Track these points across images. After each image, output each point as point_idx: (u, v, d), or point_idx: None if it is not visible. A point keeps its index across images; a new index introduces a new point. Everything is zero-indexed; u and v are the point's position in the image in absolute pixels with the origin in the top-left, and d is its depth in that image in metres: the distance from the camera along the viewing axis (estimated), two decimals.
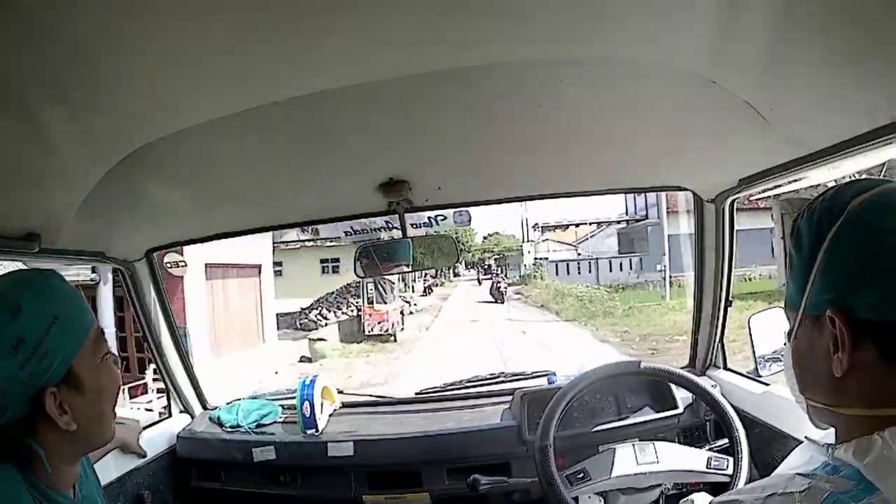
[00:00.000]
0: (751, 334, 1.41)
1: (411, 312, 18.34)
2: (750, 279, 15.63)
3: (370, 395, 2.06)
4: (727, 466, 1.22)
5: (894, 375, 0.45)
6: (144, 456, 1.48)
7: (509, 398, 1.65)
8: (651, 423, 1.48)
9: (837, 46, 0.66)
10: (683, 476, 1.23)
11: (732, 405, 1.30)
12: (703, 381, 1.37)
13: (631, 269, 23.80)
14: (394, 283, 14.33)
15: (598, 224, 29.56)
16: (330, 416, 1.70)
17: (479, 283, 31.38)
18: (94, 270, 7.61)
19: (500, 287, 21.02)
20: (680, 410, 1.49)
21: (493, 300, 20.73)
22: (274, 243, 18.79)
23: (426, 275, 26.91)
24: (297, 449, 1.58)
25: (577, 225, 31.45)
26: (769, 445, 1.30)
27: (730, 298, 1.56)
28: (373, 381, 8.59)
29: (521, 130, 1.09)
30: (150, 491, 1.47)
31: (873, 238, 0.47)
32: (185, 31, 0.66)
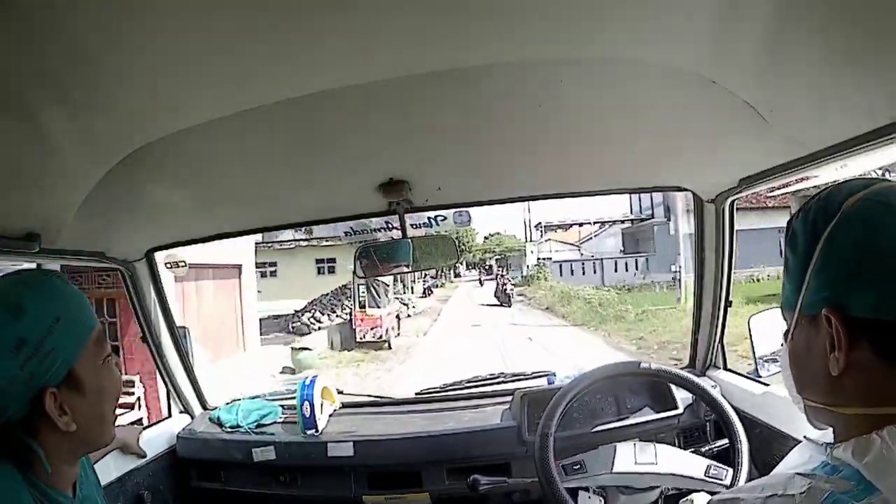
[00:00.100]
0: (751, 334, 1.41)
1: (409, 315, 17.41)
2: (758, 280, 15.20)
3: (370, 396, 2.06)
4: (725, 477, 1.22)
5: (891, 374, 0.46)
6: (144, 456, 1.48)
7: (509, 398, 1.65)
8: (651, 424, 1.48)
9: (837, 46, 0.66)
10: (680, 481, 1.22)
11: (732, 405, 1.30)
12: (703, 382, 1.37)
13: (637, 269, 22.99)
14: (388, 286, 13.20)
15: (602, 223, 28.92)
16: (330, 416, 1.70)
17: (481, 284, 30.64)
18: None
19: (506, 289, 19.56)
20: (680, 411, 1.49)
21: (498, 303, 19.47)
22: (268, 243, 18.43)
23: (426, 275, 26.22)
24: (297, 449, 1.58)
25: (580, 224, 30.64)
26: (769, 445, 1.30)
27: (730, 298, 1.56)
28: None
29: (521, 130, 1.09)
30: (150, 491, 1.47)
31: (868, 236, 0.47)
32: (185, 31, 0.66)
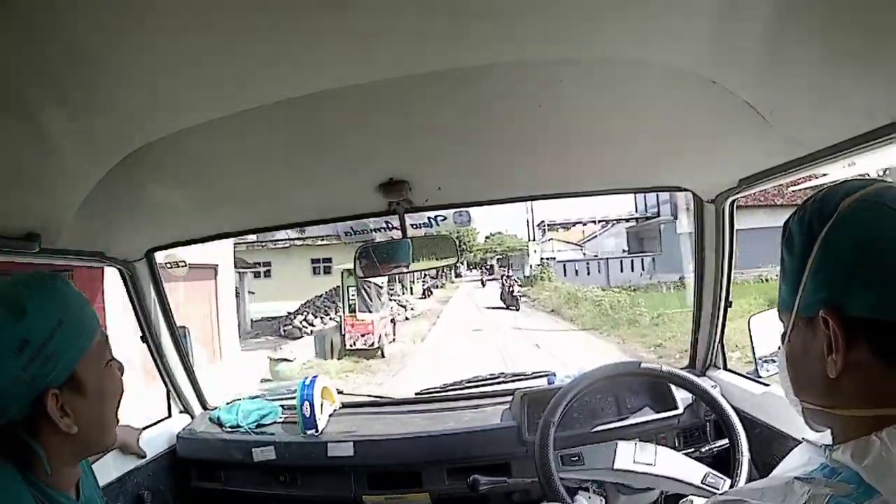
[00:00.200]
0: (750, 335, 1.41)
1: (406, 318, 16.36)
2: (767, 280, 14.50)
3: (370, 396, 2.06)
4: (721, 486, 1.21)
5: (889, 374, 0.45)
6: (144, 456, 1.48)
7: (509, 398, 1.65)
8: (651, 424, 1.48)
9: (837, 46, 0.66)
10: (675, 485, 1.22)
11: (732, 406, 1.30)
12: (702, 382, 1.37)
13: (643, 269, 22.39)
14: (381, 287, 11.92)
15: (606, 222, 28.08)
16: (330, 416, 1.70)
17: (483, 285, 29.88)
18: None
19: (513, 291, 17.92)
20: (680, 411, 1.49)
21: (504, 306, 17.83)
22: (262, 242, 17.84)
23: (425, 275, 25.50)
24: (297, 449, 1.58)
25: (584, 223, 29.68)
26: (769, 445, 1.30)
27: (730, 299, 1.56)
28: None
29: (521, 130, 1.09)
30: (150, 491, 1.47)
31: (864, 237, 0.47)
32: (185, 31, 0.66)
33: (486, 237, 41.32)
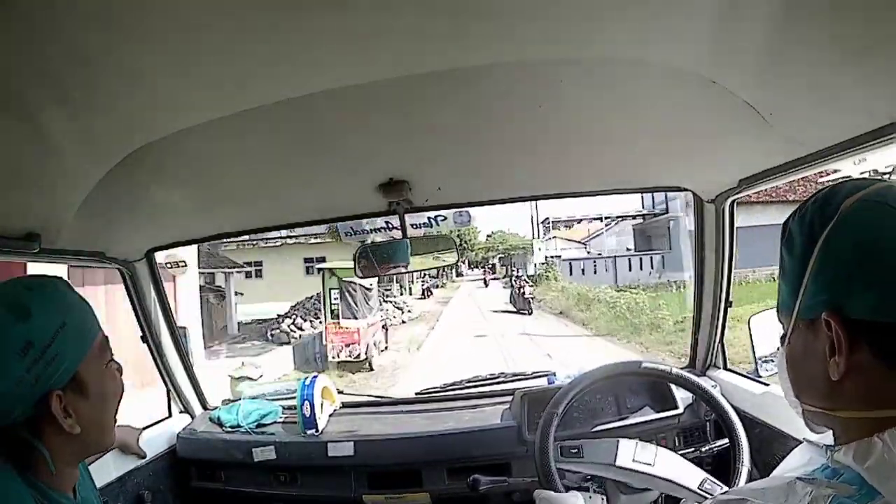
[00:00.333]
0: (751, 335, 1.41)
1: (403, 322, 15.23)
2: (776, 279, 14.12)
3: (370, 396, 2.06)
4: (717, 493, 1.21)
5: (891, 377, 0.45)
6: (144, 456, 1.48)
7: (509, 398, 1.65)
8: (651, 424, 1.48)
9: (837, 46, 0.66)
10: (672, 488, 1.21)
11: (732, 405, 1.30)
12: (703, 382, 1.37)
13: (652, 268, 21.23)
14: (369, 290, 10.35)
15: (612, 219, 27.19)
16: (330, 416, 1.70)
17: (486, 285, 28.55)
18: None
19: (523, 292, 15.83)
20: (680, 411, 1.49)
21: (514, 310, 15.95)
22: (253, 240, 16.93)
23: (425, 275, 24.36)
24: (297, 449, 1.58)
25: (590, 220, 28.91)
26: (769, 445, 1.30)
27: (730, 299, 1.56)
28: None
29: (521, 130, 1.09)
30: (150, 491, 1.47)
31: (866, 238, 0.46)
32: (186, 31, 0.66)
33: (488, 236, 41.02)
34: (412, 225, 1.49)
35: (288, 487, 1.59)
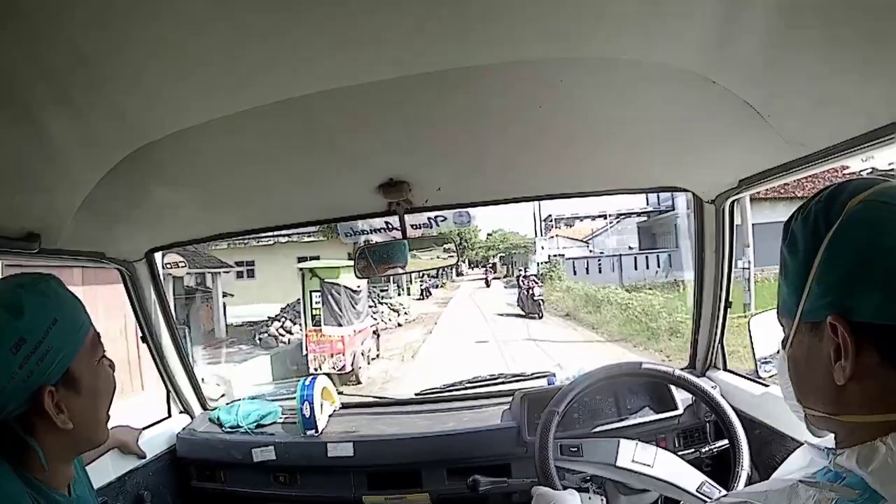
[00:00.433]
0: (750, 335, 1.41)
1: (399, 325, 14.37)
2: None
3: (370, 396, 2.06)
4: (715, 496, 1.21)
5: None
6: (144, 456, 1.48)
7: (509, 399, 1.65)
8: (651, 425, 1.48)
9: (837, 46, 0.66)
10: (670, 490, 1.21)
11: (732, 406, 1.30)
12: (702, 382, 1.37)
13: (658, 267, 20.38)
14: (356, 293, 9.29)
15: (616, 216, 26.28)
16: (330, 416, 1.70)
17: (488, 285, 27.14)
18: None
19: (533, 293, 14.18)
20: (680, 412, 1.49)
21: (523, 313, 14.41)
22: (245, 240, 15.64)
23: (424, 275, 22.66)
24: (297, 449, 1.58)
25: (593, 218, 27.79)
26: (769, 446, 1.30)
27: (730, 299, 1.56)
28: None
29: (521, 130, 1.09)
30: (150, 491, 1.47)
31: (873, 238, 0.45)
32: (186, 32, 0.66)
33: (488, 234, 40.73)
34: (412, 225, 1.49)
35: (287, 488, 1.59)
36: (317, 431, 1.60)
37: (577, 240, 28.12)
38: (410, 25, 0.71)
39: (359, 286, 9.42)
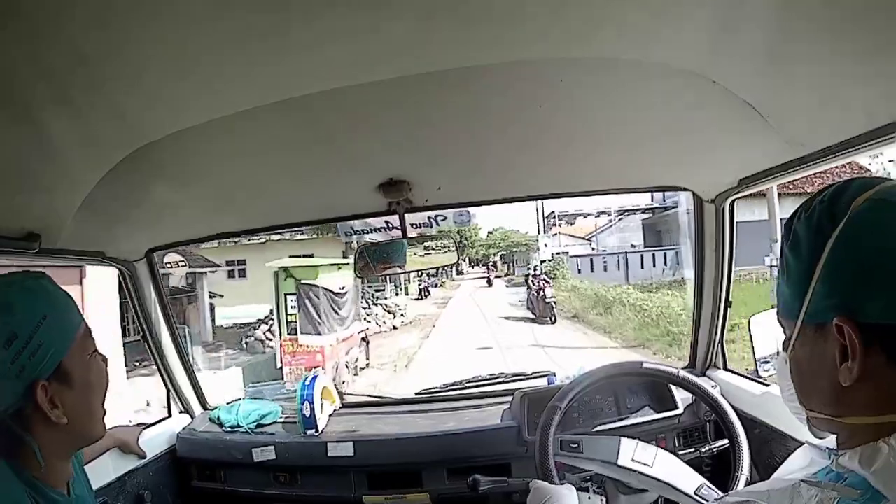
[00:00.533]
0: (751, 335, 1.41)
1: (395, 328, 13.45)
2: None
3: (370, 396, 2.06)
4: (713, 500, 1.21)
5: None
6: (144, 456, 1.48)
7: (509, 398, 1.65)
8: (651, 424, 1.48)
9: (837, 46, 0.66)
10: (668, 490, 1.21)
11: (732, 406, 1.30)
12: (702, 382, 1.37)
13: (665, 264, 19.90)
14: (340, 296, 8.18)
15: (620, 213, 25.66)
16: (330, 416, 1.70)
17: (489, 284, 26.29)
18: None
19: (545, 295, 12.68)
20: (680, 411, 1.49)
21: (532, 316, 13.15)
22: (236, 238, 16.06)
23: (422, 273, 21.56)
24: (297, 449, 1.58)
25: (596, 215, 26.83)
26: (769, 446, 1.30)
27: (730, 299, 1.56)
28: None
29: (521, 130, 1.09)
30: (151, 491, 1.47)
31: (879, 238, 0.44)
32: (186, 32, 0.66)
33: (489, 233, 40.44)
34: (412, 224, 1.49)
35: (288, 488, 1.59)
36: (317, 431, 1.60)
37: (579, 237, 27.60)
38: (410, 25, 0.71)
39: (342, 288, 8.30)
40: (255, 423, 1.67)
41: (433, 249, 1.53)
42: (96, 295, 7.08)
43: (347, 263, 8.89)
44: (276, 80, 0.81)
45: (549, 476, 1.17)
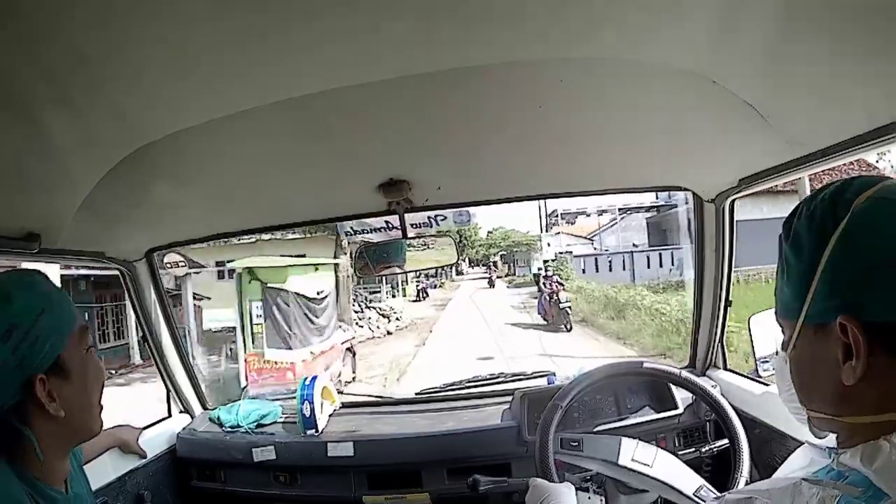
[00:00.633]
0: (751, 334, 1.41)
1: (389, 333, 12.61)
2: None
3: (370, 396, 2.06)
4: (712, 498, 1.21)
5: None
6: (144, 456, 1.48)
7: (509, 398, 1.65)
8: (651, 424, 1.48)
9: (837, 46, 0.66)
10: (667, 491, 1.21)
11: (732, 405, 1.30)
12: (702, 382, 1.37)
13: (672, 264, 19.33)
14: (316, 302, 7.04)
15: (624, 211, 25.09)
16: (330, 416, 1.70)
17: (491, 285, 25.45)
18: None
19: (559, 300, 11.28)
20: (680, 411, 1.49)
21: (544, 323, 11.85)
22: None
23: (421, 274, 20.33)
24: (297, 449, 1.58)
25: (599, 213, 26.35)
26: (769, 445, 1.30)
27: (729, 299, 1.56)
28: None
29: (521, 130, 1.09)
30: (150, 491, 1.47)
31: (883, 237, 0.44)
32: (186, 32, 0.66)
33: (489, 232, 40.19)
34: (412, 224, 1.49)
35: (288, 488, 1.59)
36: (317, 431, 1.60)
37: (581, 237, 27.03)
38: (410, 25, 0.71)
39: (320, 292, 7.11)
40: (255, 423, 1.67)
41: (432, 249, 1.54)
42: None
43: (327, 264, 8.47)
44: (276, 80, 0.81)
45: (548, 475, 1.17)
